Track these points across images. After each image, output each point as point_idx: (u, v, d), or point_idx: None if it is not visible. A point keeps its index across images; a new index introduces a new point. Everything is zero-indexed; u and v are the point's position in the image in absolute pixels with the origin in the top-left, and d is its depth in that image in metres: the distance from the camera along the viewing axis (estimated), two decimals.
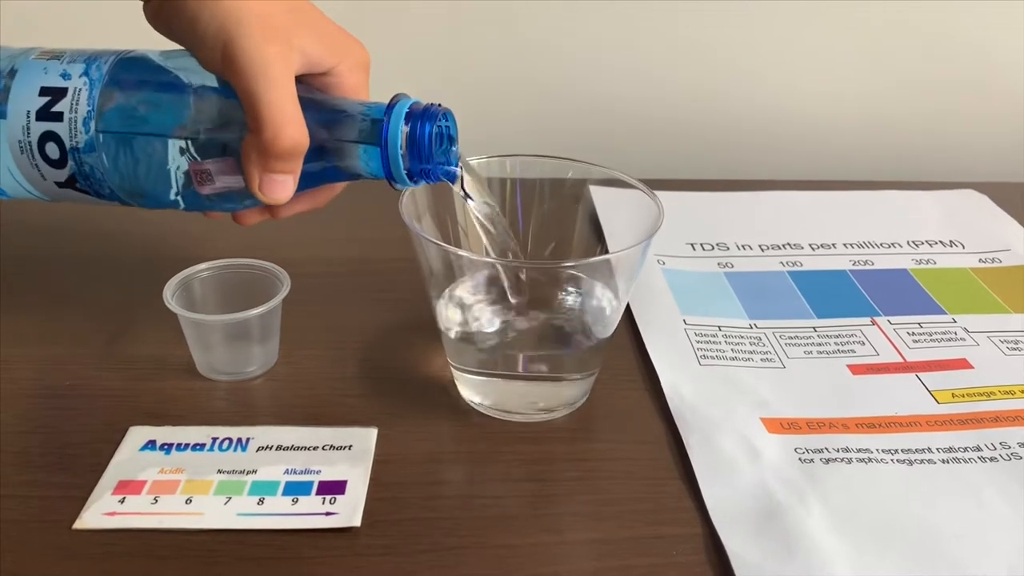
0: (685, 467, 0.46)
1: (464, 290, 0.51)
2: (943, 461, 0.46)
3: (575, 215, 0.53)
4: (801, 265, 0.64)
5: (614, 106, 0.83)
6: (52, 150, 0.46)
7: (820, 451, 0.46)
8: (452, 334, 0.49)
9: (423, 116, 0.44)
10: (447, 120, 0.46)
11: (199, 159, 0.45)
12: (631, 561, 0.41)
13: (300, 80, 0.44)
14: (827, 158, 0.85)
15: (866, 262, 0.65)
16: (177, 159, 0.45)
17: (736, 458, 0.46)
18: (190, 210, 0.48)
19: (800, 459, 0.46)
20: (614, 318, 0.49)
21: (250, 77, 0.42)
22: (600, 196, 0.53)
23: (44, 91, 0.46)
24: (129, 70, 0.46)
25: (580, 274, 0.51)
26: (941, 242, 0.68)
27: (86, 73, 0.46)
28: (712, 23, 0.80)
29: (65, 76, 0.46)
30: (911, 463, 0.46)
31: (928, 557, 0.40)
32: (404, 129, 0.44)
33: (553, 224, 0.53)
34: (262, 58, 0.42)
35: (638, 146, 0.83)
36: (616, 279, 0.49)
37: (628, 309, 0.57)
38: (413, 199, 0.49)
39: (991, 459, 0.46)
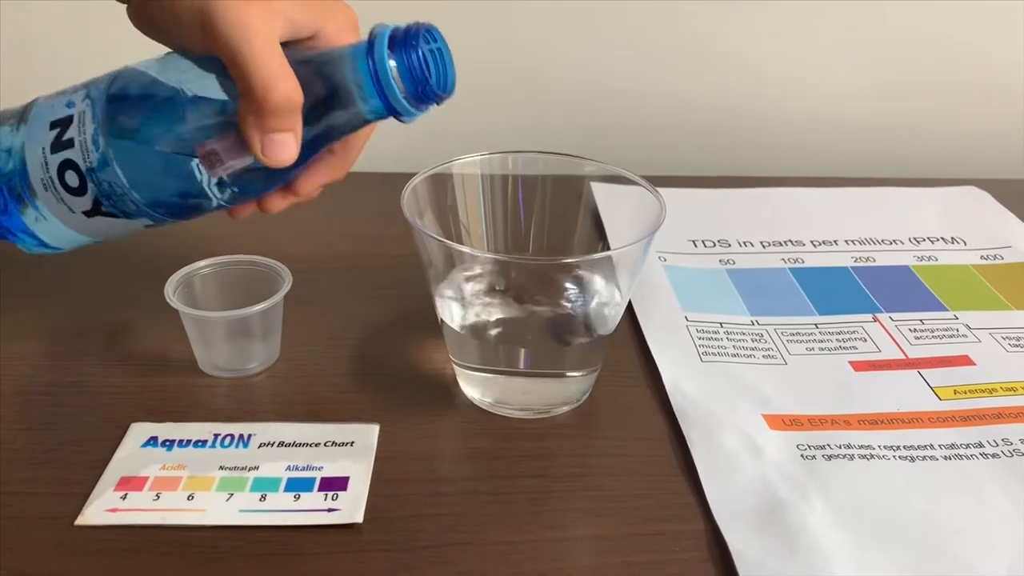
0: (687, 463, 0.46)
1: (466, 286, 0.51)
2: (945, 458, 0.46)
3: (577, 212, 0.53)
4: (803, 262, 0.64)
5: (615, 103, 0.83)
6: (71, 178, 0.47)
7: (822, 447, 0.46)
8: (454, 330, 0.49)
9: (406, 40, 0.44)
10: (433, 37, 0.45)
11: (203, 143, 0.45)
12: (633, 557, 0.41)
13: (287, 46, 0.44)
14: (829, 155, 0.85)
15: (868, 259, 0.65)
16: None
17: (738, 454, 0.46)
18: (216, 209, 0.49)
19: (802, 455, 0.46)
20: (616, 315, 0.49)
21: (232, 40, 0.42)
22: (602, 193, 0.53)
23: (53, 124, 0.48)
24: (125, 79, 0.47)
25: (582, 270, 0.51)
26: (943, 239, 0.68)
27: (88, 96, 0.47)
28: (714, 20, 0.79)
29: (70, 105, 0.47)
30: (913, 459, 0.46)
31: (930, 553, 0.40)
32: (391, 60, 0.43)
33: (555, 221, 0.53)
34: (241, 20, 0.42)
35: (639, 143, 0.83)
36: (618, 275, 0.49)
37: (630, 306, 0.57)
38: (415, 194, 0.49)
39: (993, 455, 0.46)
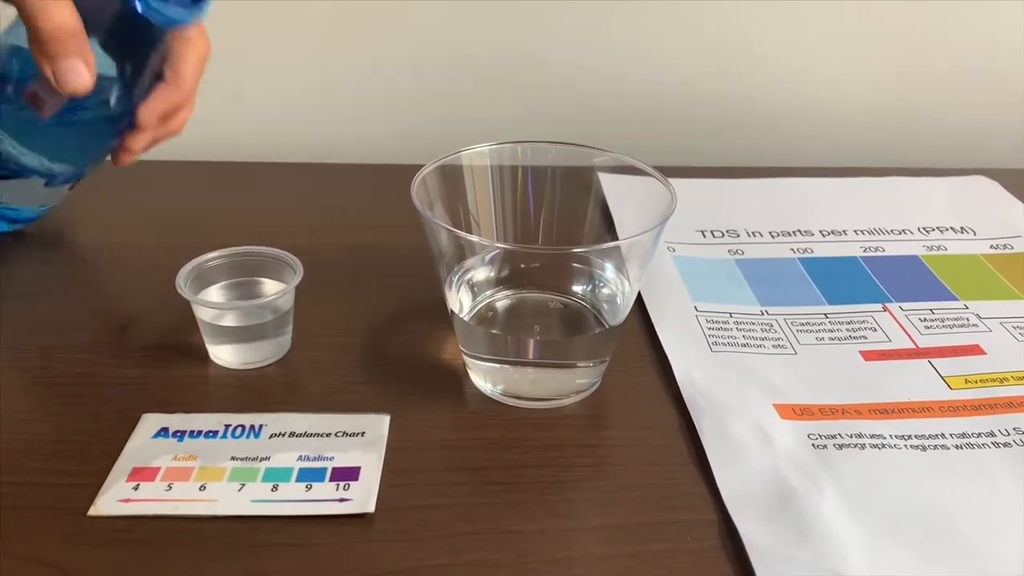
0: (698, 453, 0.46)
1: (475, 276, 0.51)
2: (956, 447, 0.46)
3: (587, 202, 0.53)
4: (812, 252, 0.64)
5: (623, 93, 0.82)
6: None
7: (833, 437, 0.46)
8: (464, 321, 0.49)
9: None
10: None
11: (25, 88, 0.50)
12: (644, 547, 0.41)
13: None
14: (838, 145, 0.85)
15: (877, 248, 0.65)
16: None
17: (749, 444, 0.46)
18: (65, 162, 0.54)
19: (813, 445, 0.46)
20: (626, 305, 0.49)
21: None
22: (609, 183, 0.53)
23: None
24: None
25: (592, 260, 0.51)
26: (952, 228, 0.68)
27: None
28: (724, 11, 0.79)
29: None
30: (924, 448, 0.46)
31: (942, 542, 0.40)
32: None
33: (564, 211, 0.53)
34: None
35: (646, 133, 0.83)
36: (628, 265, 0.49)
37: (639, 296, 0.57)
38: (424, 185, 0.49)
39: (1005, 444, 0.46)
